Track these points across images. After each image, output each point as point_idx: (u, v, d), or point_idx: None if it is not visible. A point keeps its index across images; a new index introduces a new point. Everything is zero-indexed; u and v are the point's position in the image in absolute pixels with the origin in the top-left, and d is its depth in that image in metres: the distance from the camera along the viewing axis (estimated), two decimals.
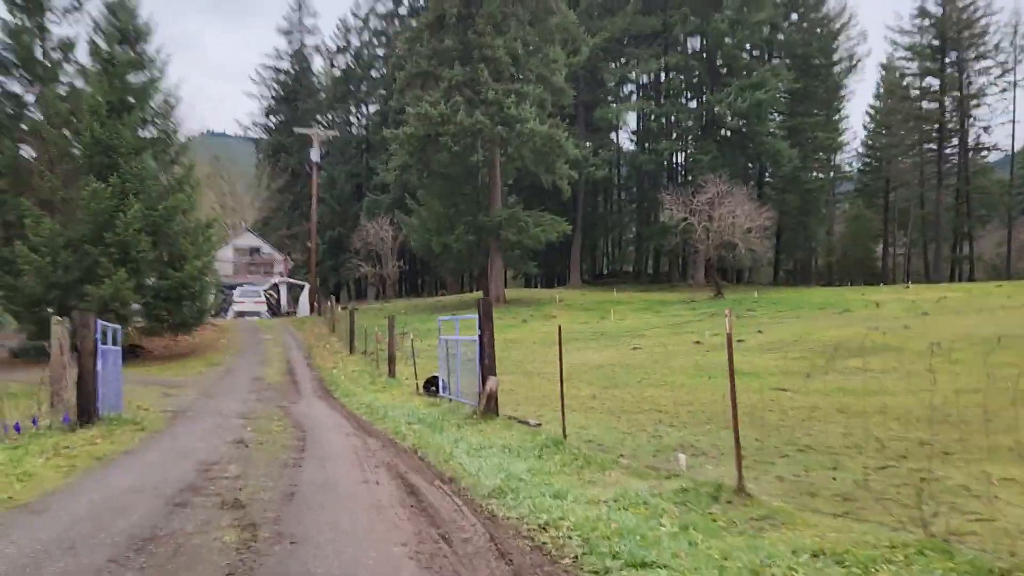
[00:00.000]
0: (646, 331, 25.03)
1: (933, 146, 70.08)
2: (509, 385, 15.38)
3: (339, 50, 76.43)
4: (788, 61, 57.52)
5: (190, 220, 28.49)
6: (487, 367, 10.29)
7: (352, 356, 24.65)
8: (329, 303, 35.06)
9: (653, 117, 58.62)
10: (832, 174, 75.90)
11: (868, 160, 78.84)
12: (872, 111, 77.22)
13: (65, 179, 29.18)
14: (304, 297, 47.17)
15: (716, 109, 50.72)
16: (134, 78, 28.17)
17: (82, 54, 29.96)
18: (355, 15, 74.60)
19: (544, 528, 4.78)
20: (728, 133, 56.16)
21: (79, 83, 29.78)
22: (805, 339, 19.83)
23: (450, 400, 12.63)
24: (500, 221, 39.44)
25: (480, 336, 10.42)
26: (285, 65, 75.28)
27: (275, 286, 47.93)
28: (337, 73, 76.49)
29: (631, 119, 63.30)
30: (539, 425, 9.48)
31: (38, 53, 30.12)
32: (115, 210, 25.27)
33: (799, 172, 57.29)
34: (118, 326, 11.67)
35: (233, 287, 44.79)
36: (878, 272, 71.70)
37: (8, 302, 26.33)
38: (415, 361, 17.17)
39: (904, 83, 71.47)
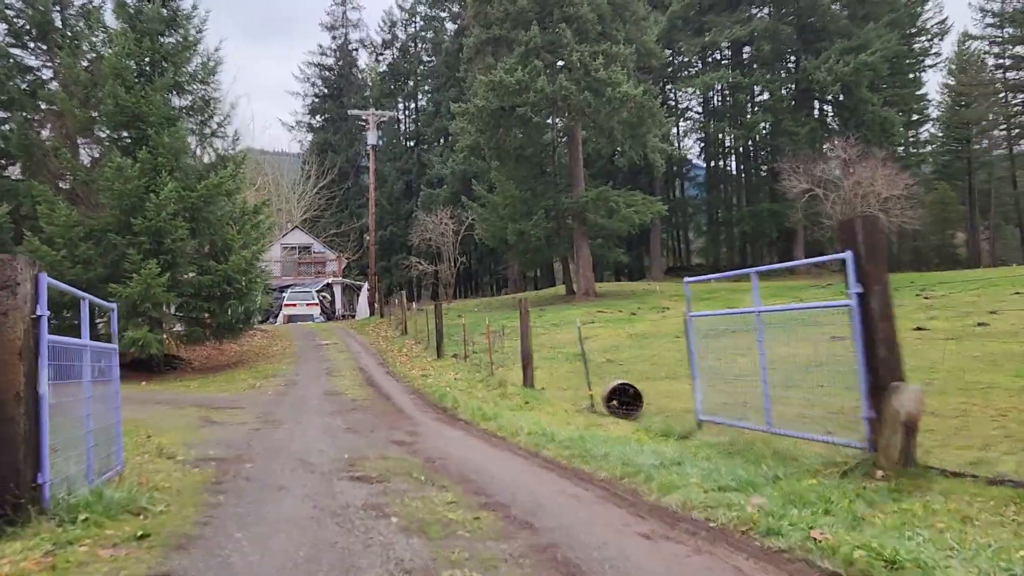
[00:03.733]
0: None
1: None
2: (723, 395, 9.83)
3: (385, 44, 71.92)
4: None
5: (235, 203, 23.51)
6: (884, 364, 4.78)
7: (443, 361, 19.36)
8: (398, 301, 29.94)
9: (730, 92, 52.82)
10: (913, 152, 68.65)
11: (943, 138, 71.00)
12: (947, 87, 68.86)
13: (91, 162, 24.75)
14: (363, 297, 42.15)
15: (814, 76, 44.43)
16: (166, 38, 23.40)
17: (109, 20, 25.38)
18: (401, 7, 69.89)
19: None
20: (821, 104, 50.03)
21: (107, 53, 25.21)
22: None
23: (698, 425, 7.17)
24: (587, 202, 33.87)
25: (863, 299, 4.91)
26: (330, 61, 71.16)
27: (328, 286, 42.88)
28: (383, 68, 72.04)
29: (699, 96, 57.55)
30: None
31: (57, 20, 25.77)
32: (145, 191, 20.39)
33: (901, 146, 50.74)
34: (112, 305, 6.56)
35: (282, 289, 39.93)
36: (961, 259, 64.39)
37: None
38: (587, 364, 11.70)
39: (985, 52, 64.86)
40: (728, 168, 58.43)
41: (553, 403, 11.55)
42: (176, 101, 23.73)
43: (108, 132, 22.79)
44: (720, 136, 53.25)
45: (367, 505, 4.63)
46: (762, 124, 45.91)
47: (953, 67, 67.25)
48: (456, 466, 6.11)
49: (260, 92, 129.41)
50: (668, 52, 50.98)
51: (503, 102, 32.75)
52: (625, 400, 9.98)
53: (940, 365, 12.05)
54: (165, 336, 22.32)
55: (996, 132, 68.30)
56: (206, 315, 22.29)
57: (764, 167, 53.82)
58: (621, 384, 10.03)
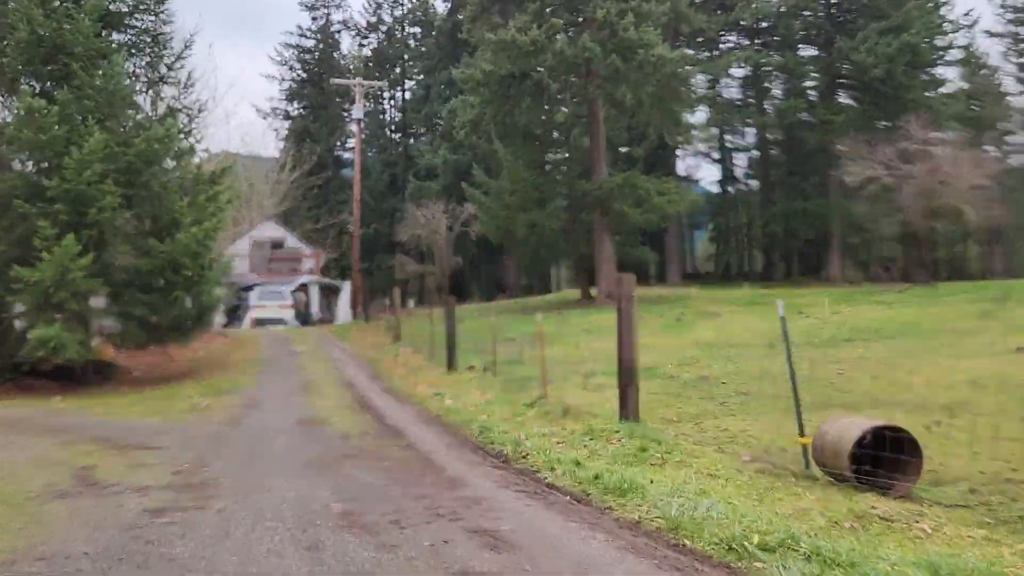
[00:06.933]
0: (961, 327, 14.58)
1: None
2: None
3: (370, 27, 66.93)
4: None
5: (185, 167, 18.30)
6: None
7: (457, 375, 14.31)
8: (389, 303, 24.87)
9: (752, 79, 48.55)
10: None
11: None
12: (961, 91, 64.64)
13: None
14: (344, 299, 36.90)
15: (854, 57, 40.03)
16: None
17: None
18: None
19: None
20: (850, 91, 45.71)
21: None
22: None
23: None
24: (612, 189, 28.95)
25: None
26: (309, 44, 66.09)
27: (303, 286, 37.48)
28: (367, 52, 67.04)
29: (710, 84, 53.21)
30: None
31: None
32: (65, 144, 15.28)
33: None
34: None
35: (250, 288, 34.56)
36: (971, 272, 60.57)
37: None
38: (796, 386, 6.71)
39: (1010, 49, 61.24)
40: (753, 162, 53.68)
41: (696, 453, 6.61)
42: (115, 36, 18.66)
43: (21, 68, 17.55)
44: (742, 127, 48.73)
45: None
46: (795, 111, 41.39)
47: (965, 68, 63.57)
48: None
49: (228, 85, 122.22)
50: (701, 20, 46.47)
51: (514, 67, 27.89)
52: (868, 454, 5.03)
53: None
54: (94, 337, 17.22)
55: (1009, 139, 64.97)
56: (146, 309, 17.10)
57: (792, 161, 49.44)
58: (877, 427, 5.07)
